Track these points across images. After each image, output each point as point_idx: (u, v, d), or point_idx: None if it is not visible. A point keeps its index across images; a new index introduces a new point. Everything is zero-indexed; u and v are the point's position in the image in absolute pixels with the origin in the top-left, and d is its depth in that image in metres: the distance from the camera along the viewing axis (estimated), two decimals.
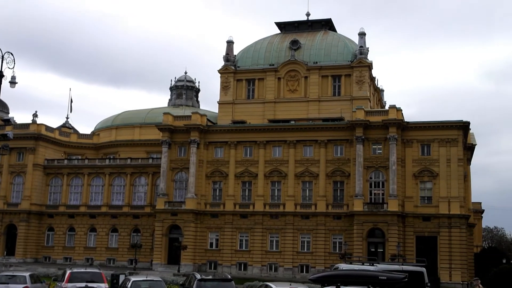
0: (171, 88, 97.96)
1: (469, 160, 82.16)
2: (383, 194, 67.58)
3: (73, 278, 29.14)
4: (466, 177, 74.42)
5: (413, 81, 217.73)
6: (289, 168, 71.61)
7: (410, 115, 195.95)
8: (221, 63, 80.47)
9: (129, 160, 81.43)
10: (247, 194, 73.32)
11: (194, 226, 72.26)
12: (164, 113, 76.60)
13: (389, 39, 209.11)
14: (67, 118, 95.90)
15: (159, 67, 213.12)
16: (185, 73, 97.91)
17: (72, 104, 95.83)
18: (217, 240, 73.01)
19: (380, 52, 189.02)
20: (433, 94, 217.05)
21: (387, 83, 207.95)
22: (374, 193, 68.23)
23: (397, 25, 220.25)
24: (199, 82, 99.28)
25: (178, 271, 65.47)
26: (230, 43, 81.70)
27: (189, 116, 75.51)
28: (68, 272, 29.87)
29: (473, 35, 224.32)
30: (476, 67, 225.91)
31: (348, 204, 68.51)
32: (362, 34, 76.61)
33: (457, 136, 67.08)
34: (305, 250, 69.87)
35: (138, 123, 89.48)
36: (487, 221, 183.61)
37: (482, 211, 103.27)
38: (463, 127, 67.77)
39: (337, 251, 67.43)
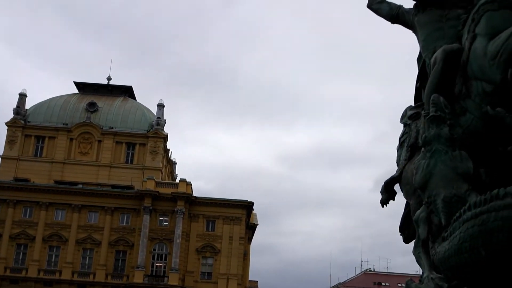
0: None
1: (250, 239, 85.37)
2: (165, 267, 67.25)
3: None
4: (245, 255, 77.05)
5: (214, 157, 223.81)
6: (71, 233, 68.42)
7: (208, 190, 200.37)
8: (11, 115, 76.01)
9: None
10: (20, 257, 68.29)
11: None
12: None
13: (196, 114, 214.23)
14: None
15: None
16: None
17: None
18: None
19: (183, 125, 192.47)
20: (231, 171, 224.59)
21: (187, 156, 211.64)
22: (156, 266, 67.67)
23: (205, 102, 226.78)
24: None
25: None
26: (22, 96, 77.56)
27: None
28: None
29: (277, 121, 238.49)
30: (275, 151, 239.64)
31: (129, 275, 66.91)
32: (160, 106, 77.63)
33: (241, 215, 69.74)
34: None
35: None
36: None
37: None
38: (247, 206, 70.76)
39: None
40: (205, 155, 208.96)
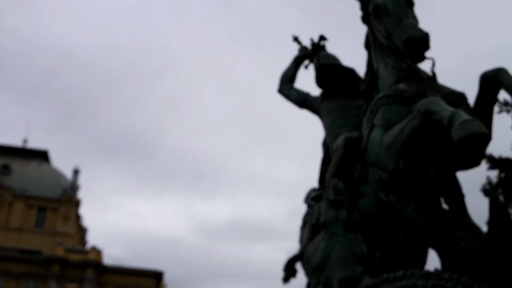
0: None
1: None
2: None
3: None
4: None
5: (132, 224, 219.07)
6: None
7: (124, 258, 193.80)
8: None
9: None
10: None
11: None
12: None
13: (116, 181, 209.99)
14: None
15: None
16: None
17: None
18: None
19: (103, 192, 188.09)
20: (149, 240, 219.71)
21: (105, 223, 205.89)
22: None
23: (127, 169, 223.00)
24: None
25: None
26: None
27: None
28: None
29: (198, 191, 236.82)
30: (194, 221, 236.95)
31: None
32: (76, 171, 76.31)
33: (150, 284, 68.13)
34: None
35: None
36: None
37: None
38: (157, 276, 69.42)
39: None
40: (124, 223, 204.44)
